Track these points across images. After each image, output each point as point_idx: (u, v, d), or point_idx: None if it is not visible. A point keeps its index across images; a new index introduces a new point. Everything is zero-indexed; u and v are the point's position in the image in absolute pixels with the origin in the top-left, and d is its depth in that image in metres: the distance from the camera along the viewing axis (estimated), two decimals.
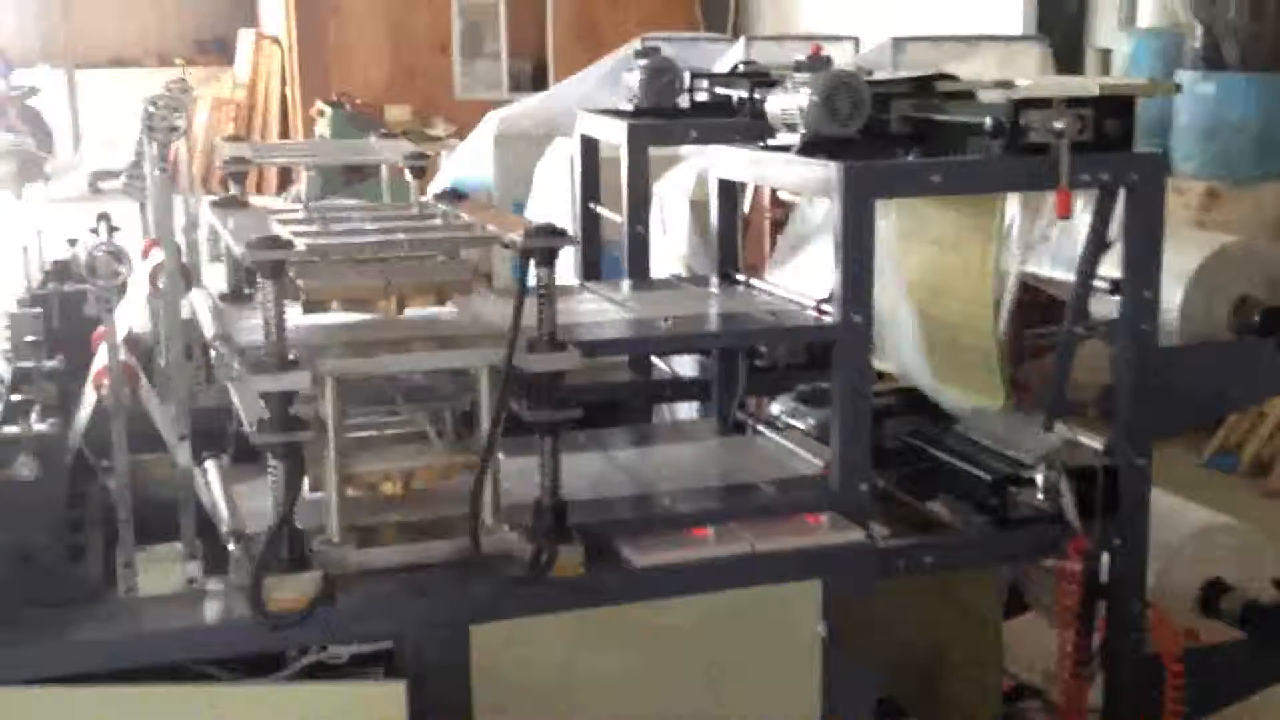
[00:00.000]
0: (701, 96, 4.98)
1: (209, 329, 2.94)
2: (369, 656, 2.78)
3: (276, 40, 18.87)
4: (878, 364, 3.54)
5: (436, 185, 6.06)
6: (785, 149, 3.41)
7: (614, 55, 10.83)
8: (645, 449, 3.67)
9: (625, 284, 4.31)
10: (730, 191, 3.76)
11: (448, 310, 3.03)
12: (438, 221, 3.02)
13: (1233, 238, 3.91)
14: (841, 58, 6.20)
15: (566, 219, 7.53)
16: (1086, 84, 3.44)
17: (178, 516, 2.81)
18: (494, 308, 3.25)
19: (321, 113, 14.49)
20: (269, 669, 2.72)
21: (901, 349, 3.64)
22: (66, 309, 4.05)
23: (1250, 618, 3.64)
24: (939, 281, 3.42)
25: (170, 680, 2.61)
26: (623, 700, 2.93)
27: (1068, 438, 3.45)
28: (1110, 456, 3.40)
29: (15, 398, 2.88)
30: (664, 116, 4.78)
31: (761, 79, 4.72)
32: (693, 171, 6.76)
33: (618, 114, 4.88)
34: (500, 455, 2.87)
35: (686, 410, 5.15)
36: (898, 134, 3.47)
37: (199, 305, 3.12)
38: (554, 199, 8.23)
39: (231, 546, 2.84)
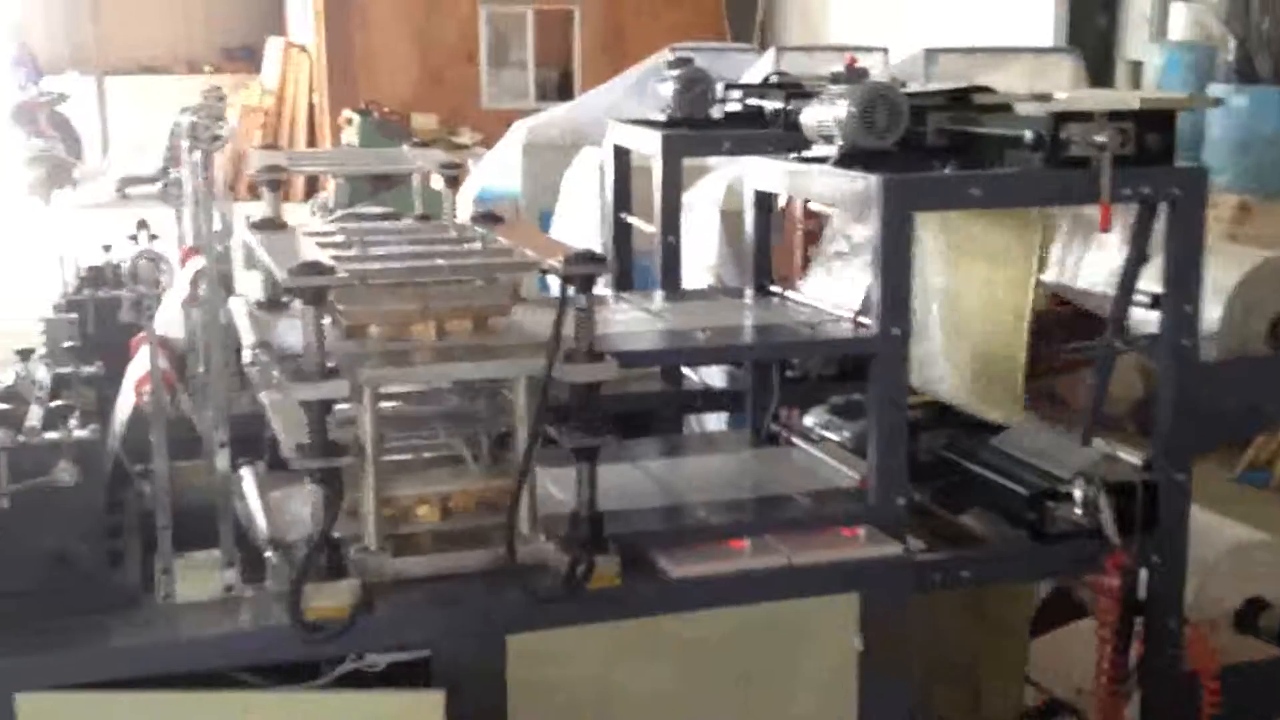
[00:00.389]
0: (734, 107, 4.98)
1: (247, 337, 2.95)
2: (405, 665, 2.78)
3: (305, 49, 18.96)
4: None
5: (464, 194, 6.06)
6: (821, 161, 3.40)
7: (642, 65, 10.83)
8: (679, 460, 3.66)
9: (658, 294, 4.31)
10: (765, 203, 3.75)
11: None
12: (476, 245, 3.02)
13: (1272, 253, 3.89)
14: (872, 69, 6.19)
15: (594, 228, 7.54)
16: (1126, 97, 3.43)
17: (213, 523, 2.81)
18: (528, 318, 3.25)
19: (349, 121, 14.55)
20: (304, 677, 2.72)
21: (929, 360, 3.62)
22: (102, 314, 4.08)
23: None
24: (974, 294, 3.41)
25: (204, 687, 2.62)
26: (658, 712, 2.92)
27: (1106, 452, 3.43)
28: (1149, 472, 3.37)
29: (55, 403, 2.88)
30: (697, 127, 4.78)
31: (795, 90, 4.72)
32: (722, 182, 6.76)
33: (650, 124, 4.88)
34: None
35: (715, 421, 5.15)
36: (934, 146, 3.46)
37: (236, 314, 3.13)
38: (582, 208, 8.23)
39: (269, 554, 2.84)
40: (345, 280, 2.64)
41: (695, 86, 4.87)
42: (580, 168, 8.68)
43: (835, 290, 3.72)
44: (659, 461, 3.63)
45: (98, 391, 3.21)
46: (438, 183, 4.64)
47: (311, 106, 18.60)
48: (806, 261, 5.07)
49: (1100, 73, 9.38)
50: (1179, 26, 9.00)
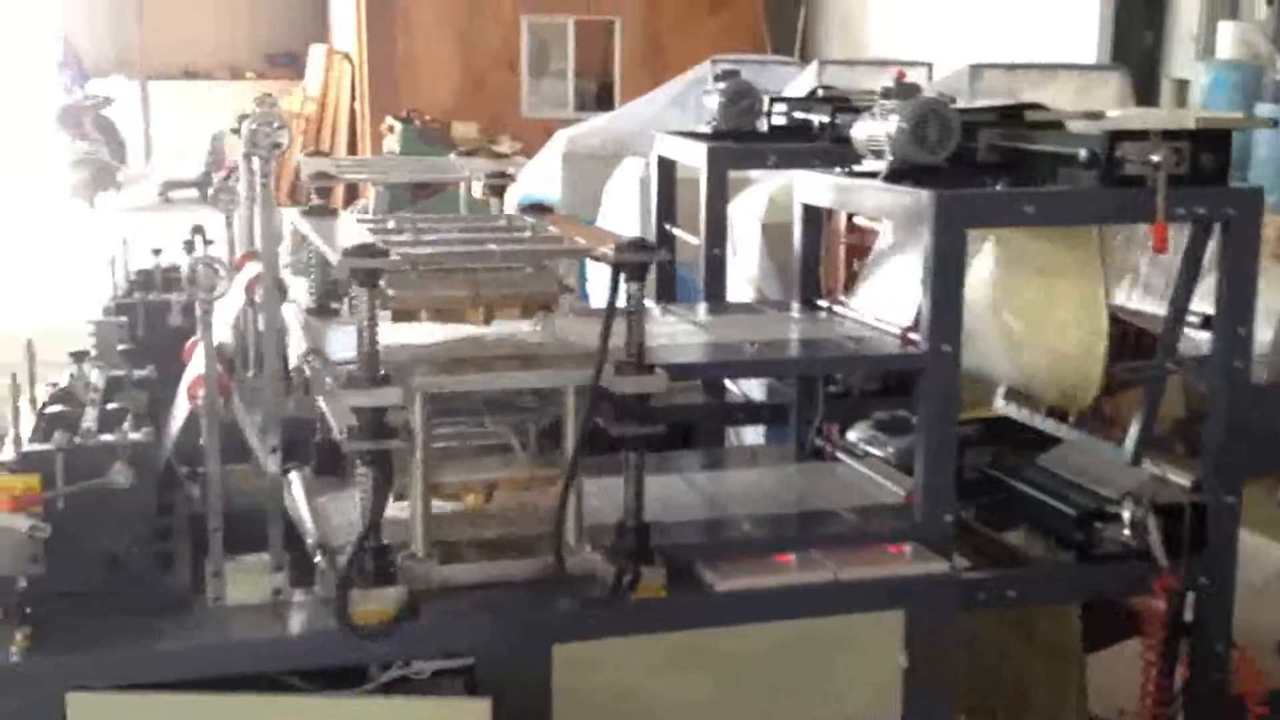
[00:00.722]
0: (779, 120, 4.98)
1: (300, 343, 2.96)
2: (450, 673, 2.79)
3: (348, 56, 19.07)
4: None
5: (506, 203, 6.06)
6: (871, 175, 3.40)
7: (684, 77, 10.86)
8: (723, 472, 3.67)
9: (701, 306, 4.31)
10: (814, 217, 3.75)
11: (527, 326, 3.03)
12: (526, 234, 3.02)
13: None
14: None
15: None
16: (1180, 116, 3.41)
17: (260, 526, 2.83)
18: (573, 325, 3.25)
19: (391, 128, 14.62)
20: (350, 683, 2.73)
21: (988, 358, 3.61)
22: (151, 318, 4.11)
23: None
24: (1040, 310, 3.40)
25: (249, 690, 2.63)
26: None
27: (1154, 473, 3.41)
28: (1198, 493, 3.35)
29: (110, 406, 2.91)
30: (743, 140, 4.79)
31: (842, 104, 4.72)
32: (764, 194, 6.74)
33: (696, 136, 4.89)
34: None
35: (753, 434, 5.15)
36: (985, 162, 3.45)
37: (289, 319, 3.15)
38: (622, 218, 8.24)
39: (318, 559, 2.86)
40: (398, 263, 2.64)
41: (741, 99, 4.88)
42: (621, 178, 8.69)
43: (883, 305, 3.70)
44: (703, 474, 3.63)
45: (151, 394, 3.24)
46: (476, 189, 4.65)
47: (353, 113, 18.70)
48: (849, 276, 5.06)
49: (1144, 91, 9.33)
50: (1226, 45, 8.94)
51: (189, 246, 3.40)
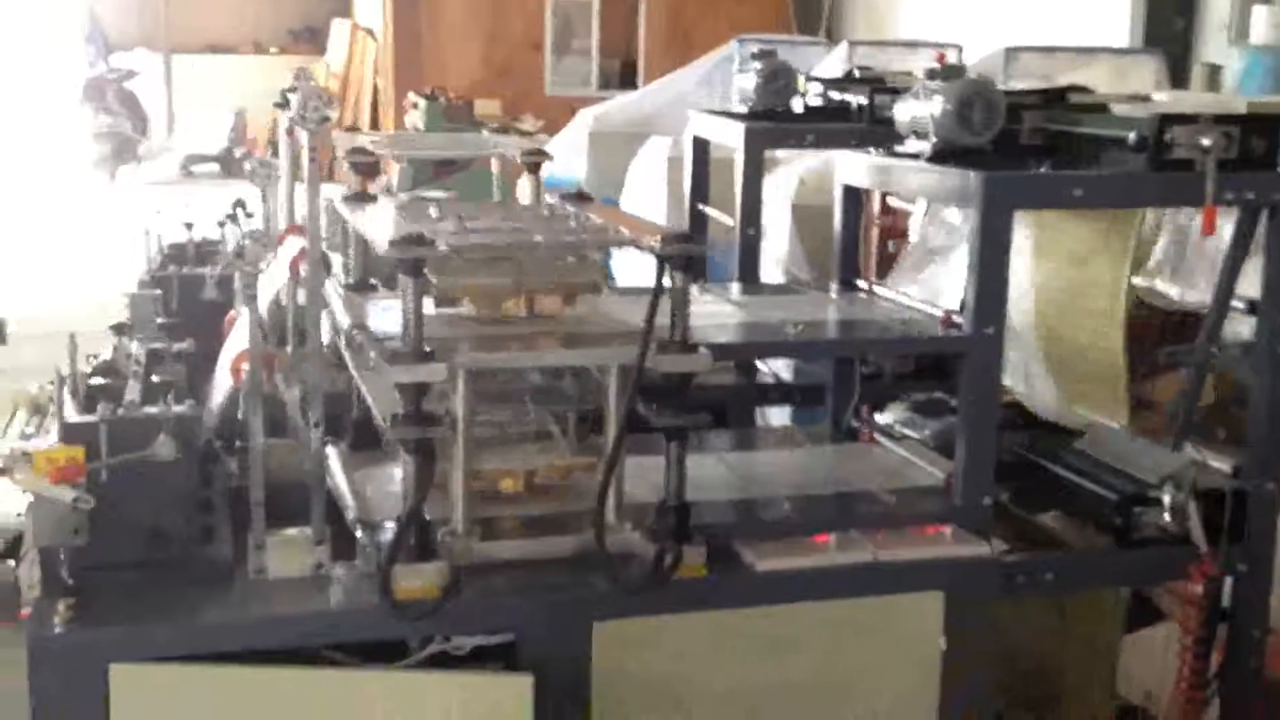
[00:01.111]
0: (815, 101, 4.96)
1: (343, 319, 2.96)
2: (489, 649, 2.79)
3: (371, 32, 19.04)
4: None
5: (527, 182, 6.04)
6: (914, 157, 3.38)
7: (710, 56, 10.79)
8: (759, 453, 3.65)
9: (735, 286, 4.30)
10: (854, 197, 3.73)
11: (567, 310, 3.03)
12: (570, 223, 3.02)
13: None
14: None
15: (660, 218, 7.53)
16: (1224, 100, 3.38)
17: (298, 501, 2.84)
18: (612, 306, 3.25)
19: (415, 105, 14.58)
20: (388, 657, 2.73)
21: (1021, 364, 3.59)
22: (185, 291, 4.12)
23: None
24: (1067, 296, 3.37)
25: (288, 664, 2.64)
26: (739, 704, 2.92)
27: (1194, 458, 3.39)
28: (1237, 478, 3.33)
29: (154, 379, 2.91)
30: (778, 120, 4.77)
31: (879, 85, 4.70)
32: (794, 176, 6.72)
33: (731, 116, 4.87)
34: None
35: (778, 414, 5.13)
36: (1028, 145, 3.43)
37: (330, 295, 3.15)
38: (648, 198, 8.22)
39: (359, 534, 2.86)
40: (445, 252, 2.64)
41: (777, 79, 4.85)
42: (647, 158, 8.66)
43: (923, 287, 3.69)
44: (739, 454, 3.62)
45: (189, 367, 3.25)
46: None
47: (375, 89, 18.69)
48: (883, 257, 5.04)
49: (1176, 75, 9.25)
50: (1260, 29, 8.85)
51: (231, 220, 3.40)
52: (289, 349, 3.38)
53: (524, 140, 4.57)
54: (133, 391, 2.82)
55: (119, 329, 3.30)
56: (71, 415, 2.72)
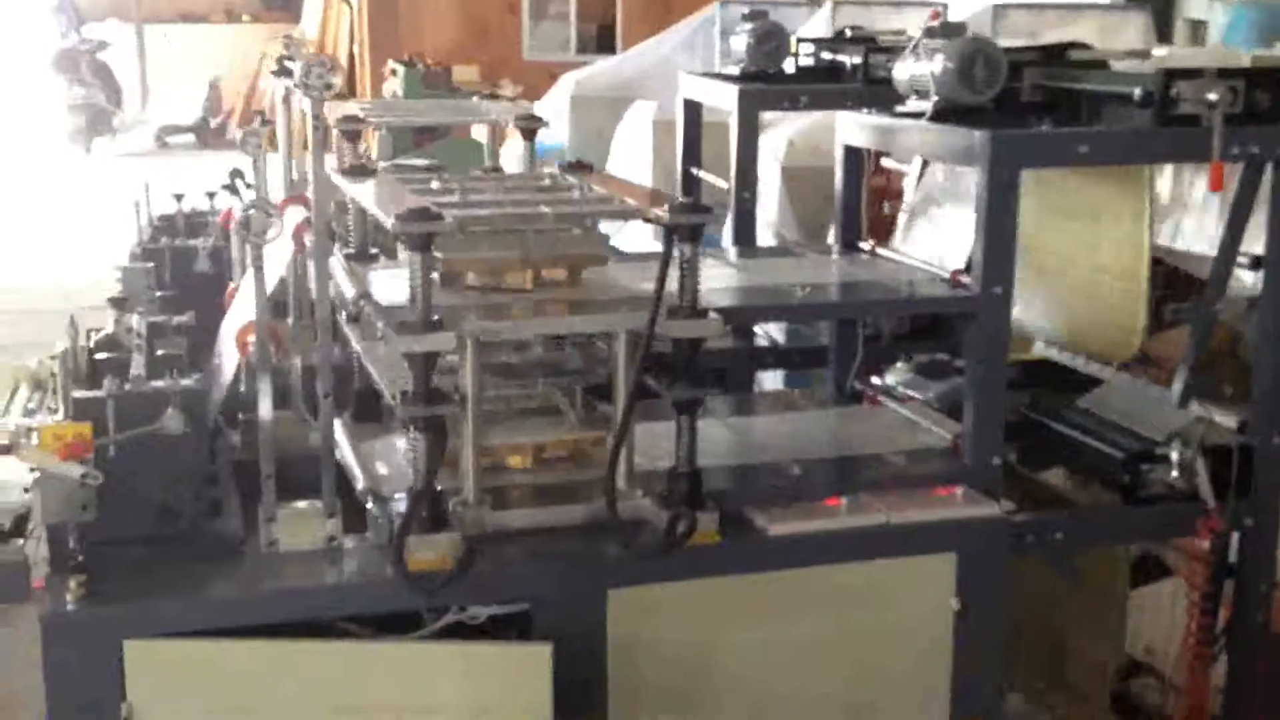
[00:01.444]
0: (806, 61, 4.92)
1: (348, 289, 2.93)
2: (503, 618, 2.78)
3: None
4: None
5: (509, 148, 5.99)
6: (915, 116, 3.36)
7: (692, 19, 10.72)
8: (765, 417, 3.63)
9: (732, 250, 4.28)
10: (856, 158, 3.70)
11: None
12: (574, 194, 2.99)
13: None
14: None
15: (646, 183, 7.48)
16: (1225, 54, 3.37)
17: (301, 473, 2.81)
18: (615, 273, 3.22)
19: (394, 72, 14.47)
20: (402, 628, 2.72)
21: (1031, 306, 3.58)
22: (177, 264, 4.08)
23: None
24: (1083, 251, 3.37)
25: (301, 637, 2.62)
26: (754, 668, 2.91)
27: (1199, 414, 3.39)
28: (1244, 435, 3.34)
29: (160, 352, 2.88)
30: (772, 81, 4.73)
31: (872, 44, 4.67)
32: (783, 138, 6.69)
33: (724, 78, 4.83)
34: None
35: (771, 379, 5.12)
36: (1029, 103, 3.41)
37: (334, 266, 3.11)
38: (633, 162, 8.18)
39: (370, 505, 2.84)
40: (453, 226, 2.61)
41: (770, 40, 4.81)
42: (632, 122, 8.61)
43: (922, 247, 3.67)
44: (744, 419, 3.61)
45: (191, 340, 3.22)
46: (478, 134, 4.52)
47: (351, 57, 18.53)
48: (876, 218, 5.02)
49: (1159, 31, 9.24)
50: None
51: (230, 191, 3.36)
52: (289, 321, 3.35)
53: (515, 106, 4.53)
54: (138, 366, 2.79)
55: (117, 303, 3.26)
56: (78, 391, 2.69)
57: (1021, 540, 3.17)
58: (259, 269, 2.64)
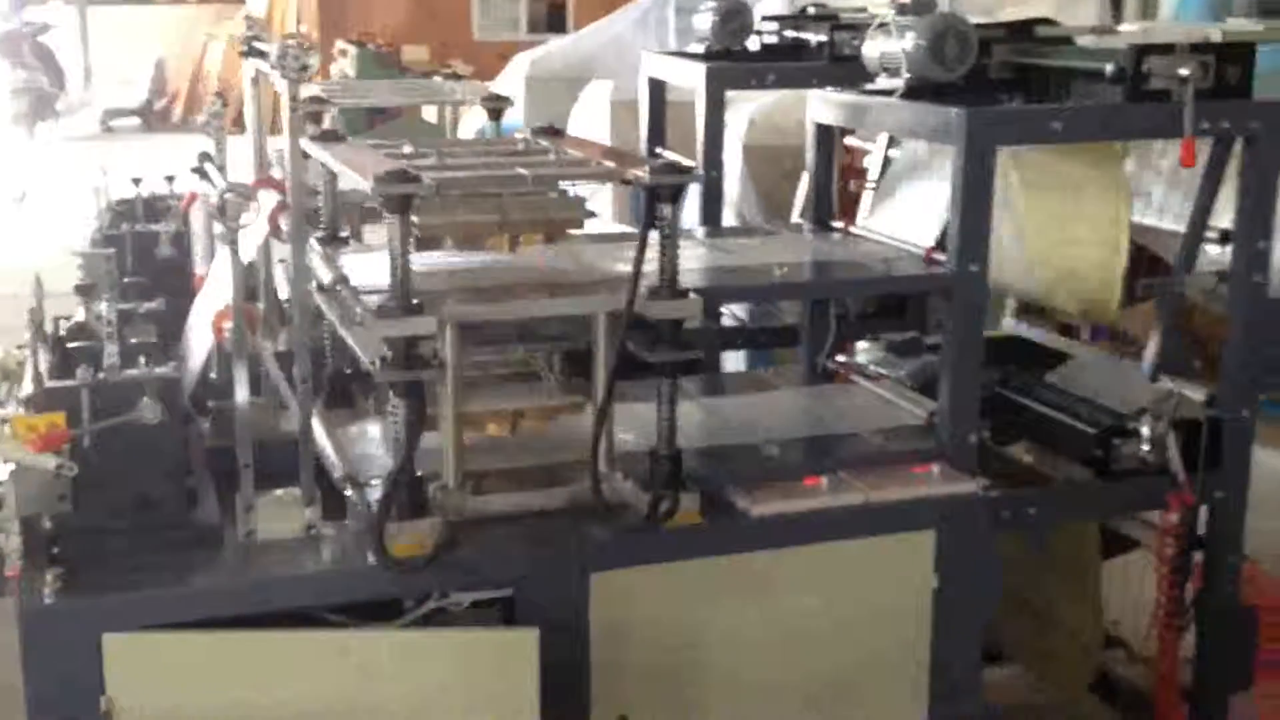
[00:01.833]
0: (770, 40, 4.91)
1: (324, 273, 2.89)
2: (485, 603, 2.76)
3: None
4: None
5: (464, 128, 5.93)
6: (885, 94, 3.36)
7: None
8: (740, 398, 3.62)
9: (700, 230, 4.27)
10: (827, 136, 3.70)
11: (548, 251, 2.98)
12: (549, 157, 2.96)
13: None
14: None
15: None
16: (1192, 30, 3.39)
17: (275, 461, 2.79)
18: (587, 249, 3.21)
19: (344, 52, 14.33)
20: (384, 616, 2.70)
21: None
22: (138, 249, 4.01)
23: None
24: (1060, 227, 3.39)
25: (281, 627, 2.59)
26: (737, 648, 2.92)
27: (1168, 388, 3.42)
28: (1210, 407, 3.37)
29: (133, 340, 2.83)
30: (736, 60, 4.72)
31: (837, 22, 4.66)
32: (744, 116, 6.67)
33: (689, 56, 4.81)
34: None
35: (733, 359, 5.12)
36: (998, 79, 3.42)
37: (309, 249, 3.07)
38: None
39: (348, 492, 2.81)
40: (432, 188, 2.57)
41: (735, 18, 4.79)
42: (589, 102, 8.56)
43: (888, 225, 3.67)
44: (719, 399, 3.60)
45: (161, 328, 3.17)
46: (429, 115, 4.42)
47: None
48: (840, 195, 5.04)
49: (1113, 7, 9.29)
50: None
51: (200, 174, 3.31)
52: (260, 304, 3.31)
53: (480, 86, 4.49)
54: (110, 354, 2.74)
55: (85, 290, 3.21)
56: (49, 380, 2.64)
57: (997, 517, 3.18)
58: (236, 253, 2.60)
